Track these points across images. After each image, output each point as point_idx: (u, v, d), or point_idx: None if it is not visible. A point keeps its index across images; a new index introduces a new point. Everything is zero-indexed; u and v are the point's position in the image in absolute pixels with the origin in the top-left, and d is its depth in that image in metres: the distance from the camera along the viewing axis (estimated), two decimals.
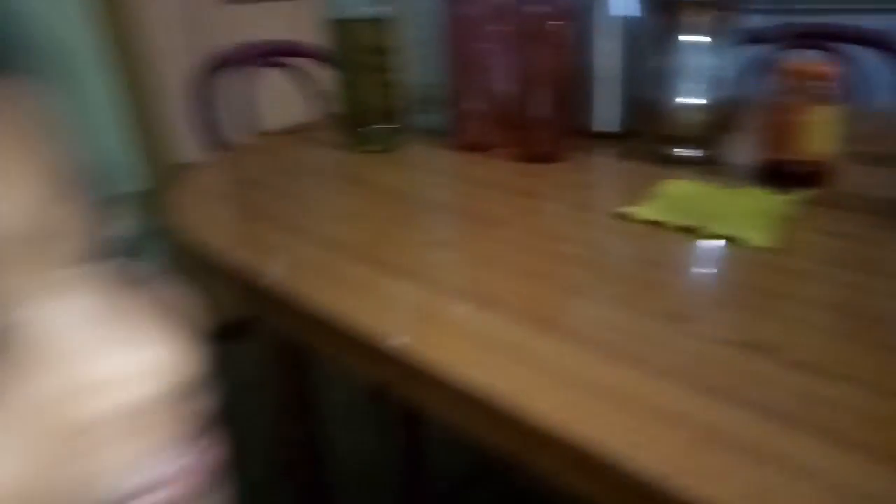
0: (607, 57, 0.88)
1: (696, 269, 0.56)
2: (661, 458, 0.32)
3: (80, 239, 0.20)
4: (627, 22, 0.86)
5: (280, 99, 1.20)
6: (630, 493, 0.33)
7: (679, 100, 0.77)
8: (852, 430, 0.34)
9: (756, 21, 0.96)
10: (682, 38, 0.76)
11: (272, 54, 1.19)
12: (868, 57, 1.19)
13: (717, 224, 0.59)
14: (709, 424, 0.34)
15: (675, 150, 0.79)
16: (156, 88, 1.59)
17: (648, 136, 0.82)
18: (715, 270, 0.55)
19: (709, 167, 0.76)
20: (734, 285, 0.52)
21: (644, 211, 0.63)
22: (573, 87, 0.82)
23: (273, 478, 1.24)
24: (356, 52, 0.83)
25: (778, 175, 0.70)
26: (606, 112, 0.90)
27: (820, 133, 0.68)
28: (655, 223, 0.61)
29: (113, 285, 0.21)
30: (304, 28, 1.80)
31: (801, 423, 0.34)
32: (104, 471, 0.20)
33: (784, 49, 1.10)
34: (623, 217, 0.63)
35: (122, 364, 0.20)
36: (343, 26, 0.82)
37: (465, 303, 0.48)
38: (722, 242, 0.57)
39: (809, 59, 0.71)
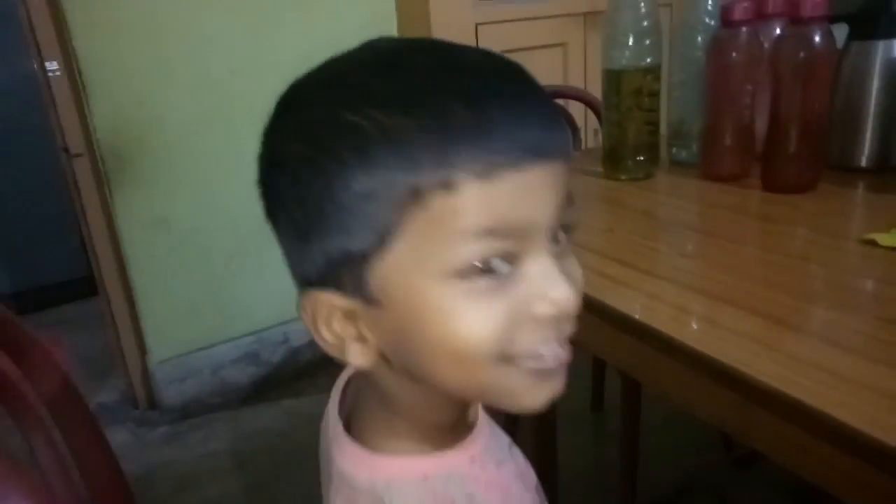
0: (868, 95, 0.91)
1: None
2: (862, 416, 0.42)
3: None
4: (888, 62, 0.89)
5: None
6: (831, 443, 0.43)
7: None
8: None
9: None
10: None
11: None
12: None
13: None
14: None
15: None
16: None
17: None
18: None
19: None
20: None
21: (890, 238, 0.68)
22: (828, 124, 0.88)
23: None
24: (623, 95, 0.99)
25: None
26: (865, 147, 0.93)
27: None
28: None
29: None
30: (571, 72, 2.02)
31: None
32: None
33: None
34: (868, 242, 0.69)
35: None
36: (615, 75, 0.98)
37: (706, 298, 0.61)
38: None
39: None
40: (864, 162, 0.93)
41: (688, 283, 0.65)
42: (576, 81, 1.99)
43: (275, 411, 1.79)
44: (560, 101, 1.42)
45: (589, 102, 1.42)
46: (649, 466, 1.33)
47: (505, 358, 0.35)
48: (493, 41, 1.87)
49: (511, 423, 1.38)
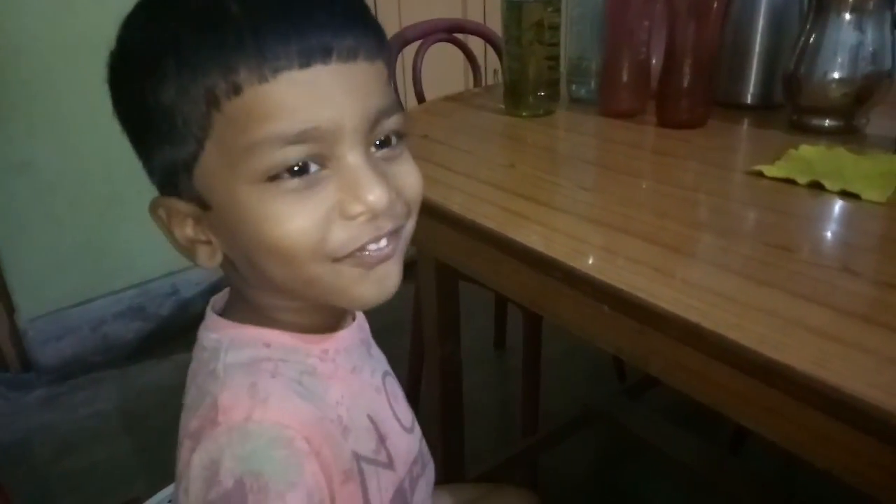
0: (754, 33, 0.94)
1: (812, 216, 0.64)
2: (753, 335, 0.43)
3: None
4: (772, 1, 0.91)
5: (446, 70, 1.37)
6: (723, 363, 0.44)
7: (823, 73, 0.82)
8: None
9: None
10: (830, 14, 0.81)
11: (444, 31, 1.35)
12: None
13: (839, 181, 0.66)
14: (796, 318, 0.45)
15: (815, 120, 0.85)
16: None
17: (789, 107, 0.88)
18: (829, 217, 0.63)
19: (846, 136, 0.81)
20: (844, 229, 0.61)
21: (774, 169, 0.71)
22: (718, 61, 0.90)
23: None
24: (524, 28, 0.96)
25: None
26: (750, 85, 0.96)
27: None
28: (784, 180, 0.69)
29: None
30: (470, 6, 1.97)
31: (873, 321, 0.43)
32: None
33: None
34: (754, 174, 0.71)
35: None
36: (515, 6, 0.95)
37: (605, 229, 0.60)
38: (839, 197, 0.64)
39: None
40: (749, 99, 0.96)
41: (587, 215, 0.65)
42: (475, 17, 1.94)
43: (165, 367, 1.69)
44: (459, 37, 1.38)
45: (489, 38, 1.39)
46: (549, 399, 1.38)
47: (325, 255, 0.38)
48: None
49: (417, 366, 1.39)
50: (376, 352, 0.52)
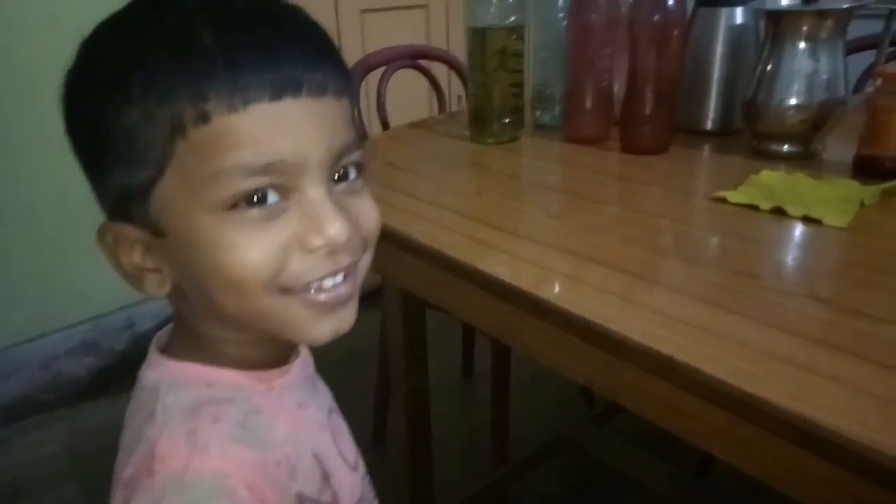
0: (713, 60, 0.96)
1: (776, 242, 0.64)
2: (726, 367, 0.42)
3: None
4: (732, 28, 0.93)
5: (411, 97, 1.36)
6: (696, 396, 0.43)
7: (780, 100, 0.84)
8: (884, 355, 0.42)
9: (867, 26, 1.00)
10: (788, 43, 0.83)
11: (408, 57, 1.35)
12: None
13: (802, 207, 0.66)
14: (767, 347, 0.44)
15: (773, 146, 0.86)
16: None
17: (749, 133, 0.89)
18: (793, 243, 0.63)
19: (804, 161, 0.82)
20: (808, 255, 0.61)
21: (737, 195, 0.71)
22: (679, 88, 0.91)
23: (372, 442, 1.41)
24: (489, 56, 0.96)
25: (869, 168, 0.75)
26: (710, 111, 0.97)
27: None
28: (746, 206, 0.69)
29: None
30: (434, 33, 1.98)
31: (843, 349, 0.43)
32: None
33: (892, 56, 1.12)
34: (717, 200, 0.71)
35: None
36: (480, 33, 0.95)
37: (572, 258, 0.60)
38: (802, 222, 0.64)
39: None
40: (710, 125, 0.98)
41: (554, 243, 0.64)
42: (438, 44, 1.95)
43: (120, 405, 1.57)
44: (423, 63, 1.38)
45: (453, 64, 1.39)
46: (519, 427, 1.36)
47: (280, 288, 0.37)
48: (353, 1, 1.79)
49: (383, 396, 1.36)
50: (321, 387, 0.51)
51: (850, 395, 0.39)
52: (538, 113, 1.07)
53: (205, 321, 0.41)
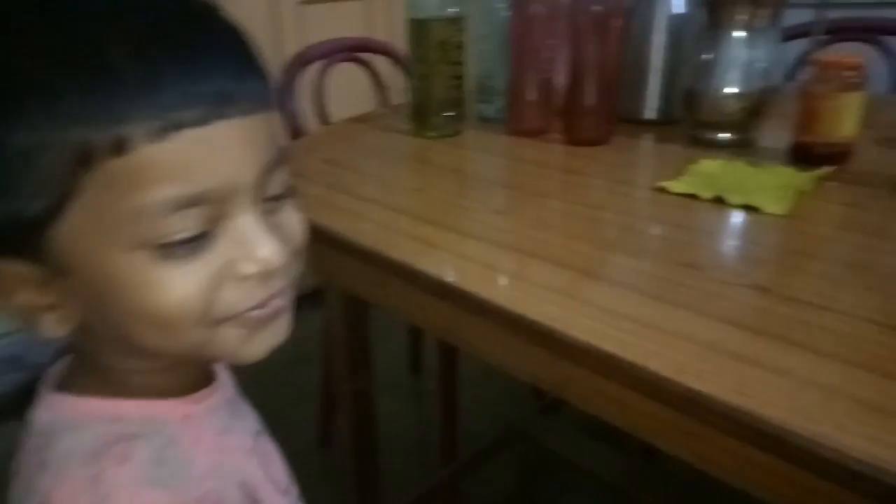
0: (653, 50, 0.96)
1: (718, 231, 0.64)
2: (672, 364, 0.41)
3: None
4: (673, 18, 0.94)
5: (350, 90, 1.33)
6: (644, 393, 0.42)
7: (719, 89, 0.84)
8: (827, 345, 0.42)
9: (800, 15, 1.02)
10: (725, 32, 0.83)
11: (348, 50, 1.31)
12: None
13: (741, 195, 0.66)
14: (712, 341, 0.43)
15: (713, 134, 0.87)
16: None
17: (688, 122, 0.90)
18: (734, 232, 0.64)
19: (743, 149, 0.83)
20: (749, 243, 0.61)
21: (678, 185, 0.71)
22: (620, 78, 0.91)
23: (318, 445, 1.38)
24: (429, 47, 0.94)
25: (804, 155, 0.77)
26: (651, 100, 0.98)
27: (845, 118, 0.74)
28: (688, 195, 0.69)
29: None
30: (375, 26, 1.93)
31: (787, 340, 0.43)
32: None
33: (826, 43, 1.15)
34: (659, 190, 0.71)
35: None
36: (420, 25, 0.92)
37: (517, 255, 0.58)
38: (743, 211, 0.65)
39: (840, 52, 0.78)
40: (651, 114, 0.98)
41: (498, 240, 0.62)
42: (381, 36, 1.91)
43: None
44: (365, 56, 1.34)
45: (395, 57, 1.36)
46: (469, 421, 1.35)
47: (211, 320, 0.34)
48: None
49: (329, 400, 1.33)
50: (245, 409, 0.47)
51: (795, 388, 0.38)
52: (481, 106, 1.05)
53: (115, 355, 0.37)
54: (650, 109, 0.99)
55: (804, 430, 0.35)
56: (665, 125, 0.96)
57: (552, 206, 0.70)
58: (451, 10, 0.93)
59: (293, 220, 0.38)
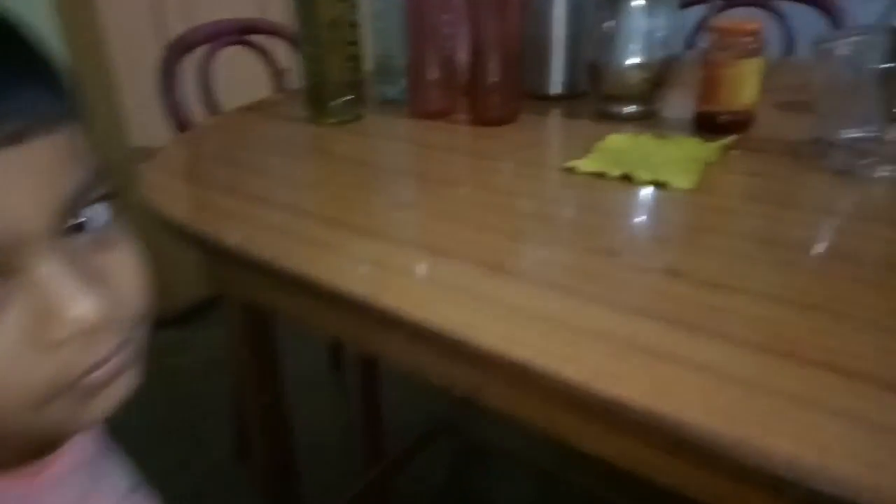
0: (556, 22, 0.93)
1: (628, 212, 0.62)
2: (587, 368, 0.38)
3: None
4: None
5: (243, 77, 1.23)
6: (561, 399, 0.39)
7: (621, 60, 0.82)
8: (743, 331, 0.40)
9: None
10: (623, 1, 0.81)
11: (235, 33, 1.21)
12: (800, 12, 1.26)
13: (649, 171, 0.65)
14: (628, 337, 0.41)
15: (618, 107, 0.85)
16: (120, 72, 1.60)
17: (594, 95, 0.88)
18: (644, 211, 0.62)
19: (648, 121, 0.82)
20: (659, 222, 0.59)
21: (586, 164, 0.68)
22: (523, 53, 0.87)
23: (235, 457, 1.30)
24: (319, 26, 0.87)
25: (708, 125, 0.76)
26: (555, 75, 0.95)
27: (745, 85, 0.74)
28: (596, 174, 0.67)
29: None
30: (269, 5, 1.82)
31: (702, 330, 0.41)
32: None
33: (721, 8, 1.16)
34: (568, 170, 0.68)
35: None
36: (307, 2, 0.85)
37: (423, 254, 0.54)
38: (651, 187, 0.63)
39: (736, 18, 0.77)
40: (556, 89, 0.95)
41: (402, 237, 0.57)
42: (275, 17, 1.80)
43: None
44: (256, 39, 1.25)
45: (289, 38, 1.27)
46: (394, 418, 1.31)
47: (27, 405, 0.27)
48: None
49: (240, 412, 1.24)
50: (113, 465, 0.40)
51: (714, 385, 0.36)
52: (383, 87, 1.00)
53: None
54: (556, 84, 0.96)
55: (725, 433, 0.33)
56: (572, 99, 0.94)
57: (459, 195, 0.66)
58: None
59: (124, 255, 0.31)
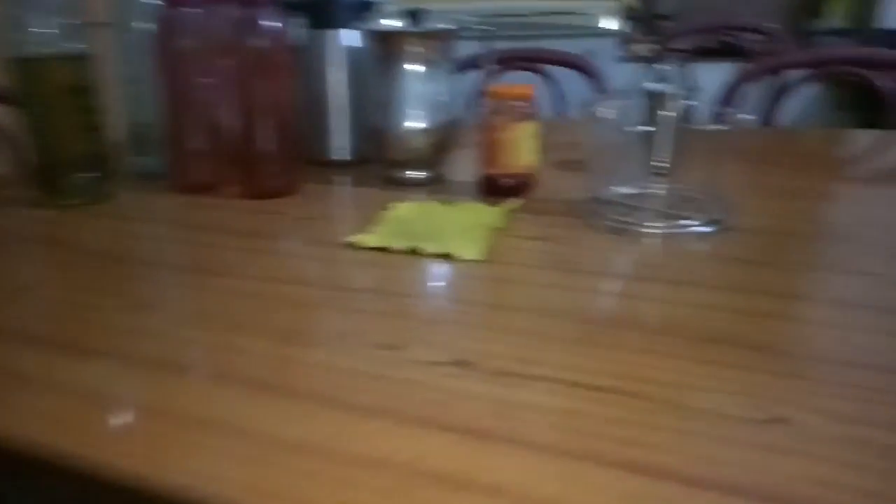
0: (335, 87, 0.87)
1: (413, 292, 0.56)
2: None
3: None
4: (352, 52, 0.86)
5: None
6: None
7: (402, 125, 0.79)
8: (540, 434, 0.35)
9: (471, 48, 1.03)
10: (401, 66, 0.78)
11: None
12: (568, 76, 1.36)
13: (435, 243, 0.60)
14: (407, 464, 0.33)
15: (402, 173, 0.81)
16: None
17: (378, 161, 0.83)
18: (430, 290, 0.56)
19: (434, 187, 0.79)
20: (447, 301, 0.54)
21: (370, 238, 0.62)
22: (299, 119, 0.80)
23: None
24: (45, 93, 0.72)
25: (492, 188, 0.74)
26: (338, 141, 0.89)
27: (523, 148, 0.73)
28: (381, 249, 0.60)
29: None
30: None
31: (496, 437, 0.35)
32: None
33: (495, 73, 1.20)
34: (350, 246, 0.61)
35: None
36: (26, 65, 0.71)
37: (154, 373, 0.42)
38: (438, 261, 0.58)
39: (509, 82, 0.77)
40: (340, 155, 0.89)
41: (134, 352, 0.45)
42: None
43: None
44: None
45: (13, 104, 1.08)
46: None
47: None
48: None
49: None
50: None
51: None
52: (139, 160, 0.86)
53: None
54: (341, 150, 0.90)
55: None
56: (359, 165, 0.89)
57: (219, 287, 0.55)
58: (71, 46, 0.73)
59: None
